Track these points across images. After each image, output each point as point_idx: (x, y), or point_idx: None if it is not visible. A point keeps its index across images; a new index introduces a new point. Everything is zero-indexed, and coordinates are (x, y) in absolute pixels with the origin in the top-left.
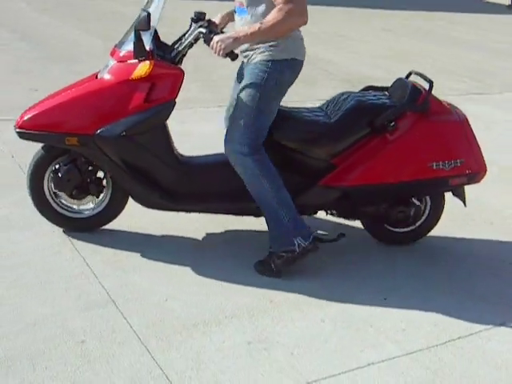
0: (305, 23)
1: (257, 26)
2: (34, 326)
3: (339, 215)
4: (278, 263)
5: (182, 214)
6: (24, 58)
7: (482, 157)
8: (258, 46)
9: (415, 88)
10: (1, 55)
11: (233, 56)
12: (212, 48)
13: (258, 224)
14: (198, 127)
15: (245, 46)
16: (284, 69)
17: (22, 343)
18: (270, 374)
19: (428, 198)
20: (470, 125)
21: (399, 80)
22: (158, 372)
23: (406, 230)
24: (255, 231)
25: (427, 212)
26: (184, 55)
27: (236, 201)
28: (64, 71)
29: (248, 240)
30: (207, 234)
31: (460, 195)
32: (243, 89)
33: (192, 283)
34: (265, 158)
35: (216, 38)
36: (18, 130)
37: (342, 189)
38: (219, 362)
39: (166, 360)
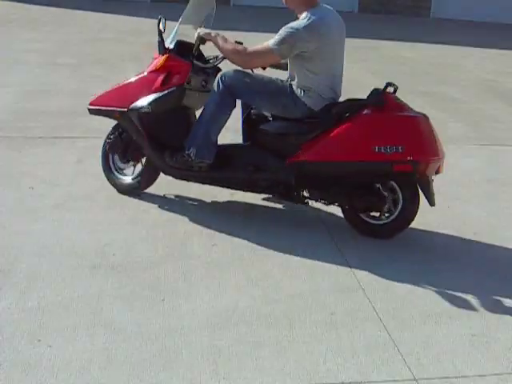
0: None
1: (222, 40)
2: (292, 297)
3: (311, 197)
4: (178, 160)
5: None
6: None
7: (432, 149)
8: (298, 83)
9: (376, 90)
10: None
11: (203, 41)
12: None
13: None
14: (461, 162)
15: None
16: (296, 106)
17: (284, 309)
18: (486, 358)
19: (399, 190)
20: (424, 122)
21: (374, 89)
22: (391, 344)
23: (381, 222)
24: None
25: (400, 205)
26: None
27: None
28: None
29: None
30: None
31: (425, 190)
32: (275, 81)
33: (434, 283)
34: (226, 99)
35: (199, 29)
36: (88, 107)
37: (300, 163)
38: (444, 345)
39: (399, 337)
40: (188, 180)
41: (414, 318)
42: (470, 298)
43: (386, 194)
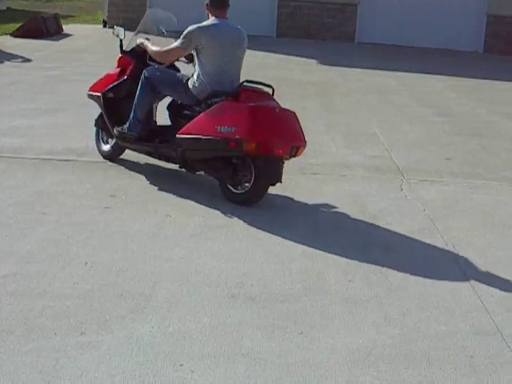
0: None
1: (149, 45)
2: (429, 338)
3: (196, 168)
4: (119, 131)
5: None
6: (439, 131)
7: (265, 134)
8: (194, 75)
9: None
10: (419, 127)
11: (137, 48)
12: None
13: None
14: None
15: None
16: (186, 95)
17: (423, 349)
18: None
19: (253, 166)
20: (261, 112)
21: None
22: None
23: (239, 191)
24: None
25: (253, 178)
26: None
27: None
28: (476, 146)
29: None
30: None
31: (258, 167)
32: (178, 76)
33: None
34: (146, 88)
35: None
36: (87, 93)
37: (177, 138)
38: None
39: None
40: (127, 148)
41: None
42: None
43: (240, 168)
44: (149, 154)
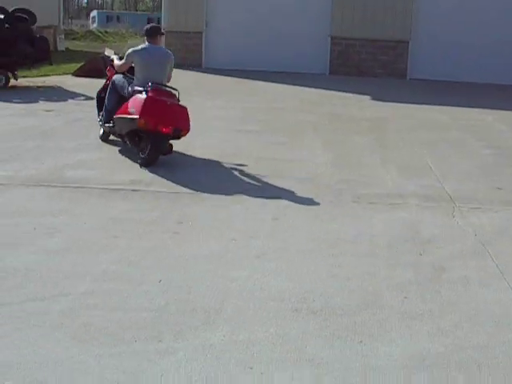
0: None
1: (116, 60)
2: (480, 348)
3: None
4: (100, 118)
5: None
6: (490, 162)
7: (148, 114)
8: (133, 81)
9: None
10: (471, 159)
11: (106, 63)
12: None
13: None
14: None
15: None
16: (127, 93)
17: (474, 357)
18: None
19: (150, 141)
20: (155, 101)
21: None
22: None
23: (143, 156)
24: None
25: (149, 147)
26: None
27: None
28: None
29: None
30: None
31: (151, 139)
32: (126, 81)
33: None
34: (112, 89)
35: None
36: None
37: (114, 118)
38: None
39: None
40: (104, 130)
41: None
42: None
43: (143, 140)
44: (109, 132)
